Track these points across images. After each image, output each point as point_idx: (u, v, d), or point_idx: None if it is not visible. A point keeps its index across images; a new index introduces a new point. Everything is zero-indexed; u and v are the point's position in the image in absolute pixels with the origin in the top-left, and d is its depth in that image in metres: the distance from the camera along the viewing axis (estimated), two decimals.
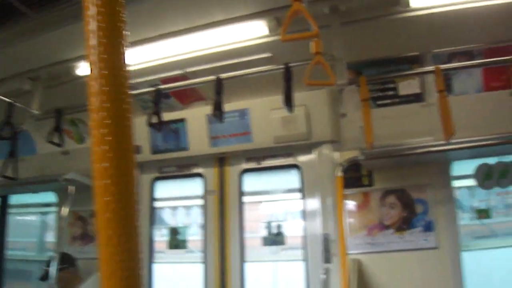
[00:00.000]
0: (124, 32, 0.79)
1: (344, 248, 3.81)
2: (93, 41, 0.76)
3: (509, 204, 4.15)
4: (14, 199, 6.18)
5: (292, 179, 4.71)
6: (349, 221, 4.19)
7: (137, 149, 5.05)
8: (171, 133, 4.89)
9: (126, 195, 0.74)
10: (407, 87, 4.16)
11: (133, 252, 0.74)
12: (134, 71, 4.29)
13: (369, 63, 4.15)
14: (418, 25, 3.67)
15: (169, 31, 3.80)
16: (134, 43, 3.93)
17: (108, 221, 0.72)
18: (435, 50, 3.95)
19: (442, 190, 4.03)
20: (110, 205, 0.72)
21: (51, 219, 6.48)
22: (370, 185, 4.22)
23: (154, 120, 3.86)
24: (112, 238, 0.72)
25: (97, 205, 0.74)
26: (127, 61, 0.79)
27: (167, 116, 4.65)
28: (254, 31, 3.73)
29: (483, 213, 4.09)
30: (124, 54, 0.79)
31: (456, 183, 4.17)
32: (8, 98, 4.12)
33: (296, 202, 4.69)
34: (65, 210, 4.67)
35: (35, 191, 5.78)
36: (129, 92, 0.78)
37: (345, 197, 4.18)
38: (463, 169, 4.34)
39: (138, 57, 4.12)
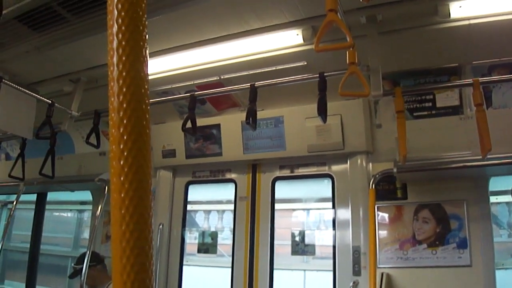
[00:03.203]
0: (145, 50, 0.82)
1: (374, 261, 3.75)
2: (114, 58, 0.79)
3: None
4: (52, 196, 6.37)
5: (324, 188, 4.67)
6: (380, 234, 4.13)
7: (172, 153, 5.12)
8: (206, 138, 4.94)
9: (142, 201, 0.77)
10: (445, 99, 4.07)
11: (145, 249, 0.76)
12: (172, 76, 4.36)
13: (407, 73, 4.07)
14: (457, 36, 3.58)
15: (206, 38, 3.83)
16: (172, 50, 4.00)
17: (122, 217, 0.75)
18: (475, 62, 3.84)
19: (478, 206, 3.91)
20: (125, 202, 0.76)
21: (86, 216, 6.66)
22: (403, 198, 4.14)
23: (189, 125, 3.89)
24: (125, 233, 0.74)
25: (112, 201, 0.77)
26: (147, 79, 0.82)
27: (202, 121, 4.73)
28: (290, 40, 3.72)
29: None
30: (145, 72, 0.81)
31: (493, 199, 4.05)
32: (49, 99, 4.24)
33: (327, 212, 4.66)
34: (99, 209, 4.77)
35: (72, 190, 5.95)
36: (148, 109, 0.80)
37: (378, 209, 4.13)
38: (502, 185, 4.23)
39: (175, 63, 4.18)
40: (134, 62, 0.79)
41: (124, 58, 0.79)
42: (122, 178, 0.75)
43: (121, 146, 0.76)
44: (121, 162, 0.75)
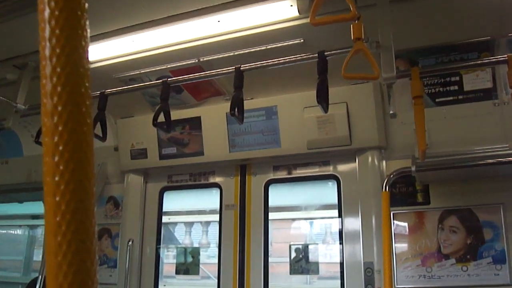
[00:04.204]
0: (84, 22, 0.81)
1: (391, 281, 3.77)
2: (46, 32, 0.78)
3: None
4: None
5: (328, 193, 4.69)
6: (397, 247, 4.15)
7: (143, 153, 5.12)
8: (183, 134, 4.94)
9: (82, 217, 0.76)
10: (474, 80, 4.09)
11: (86, 264, 0.75)
12: (140, 59, 4.35)
13: (426, 50, 4.09)
14: (489, 3, 3.60)
15: (180, 12, 3.83)
16: (139, 27, 3.99)
17: (58, 227, 0.74)
18: (511, 34, 3.86)
19: None
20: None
21: (40, 233, 6.64)
22: (425, 203, 4.16)
23: (162, 118, 3.88)
24: (62, 245, 0.74)
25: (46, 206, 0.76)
26: (87, 57, 0.81)
27: (178, 113, 4.72)
28: (282, 12, 3.73)
29: None
30: (84, 48, 0.80)
31: None
32: None
33: (333, 222, 4.68)
34: None
35: (20, 201, 5.92)
36: (88, 93, 0.80)
37: (394, 217, 4.15)
38: None
39: (144, 43, 4.17)
40: (70, 55, 0.78)
41: (58, 50, 0.78)
42: (57, 199, 0.75)
43: (56, 159, 0.75)
44: (56, 178, 0.75)
